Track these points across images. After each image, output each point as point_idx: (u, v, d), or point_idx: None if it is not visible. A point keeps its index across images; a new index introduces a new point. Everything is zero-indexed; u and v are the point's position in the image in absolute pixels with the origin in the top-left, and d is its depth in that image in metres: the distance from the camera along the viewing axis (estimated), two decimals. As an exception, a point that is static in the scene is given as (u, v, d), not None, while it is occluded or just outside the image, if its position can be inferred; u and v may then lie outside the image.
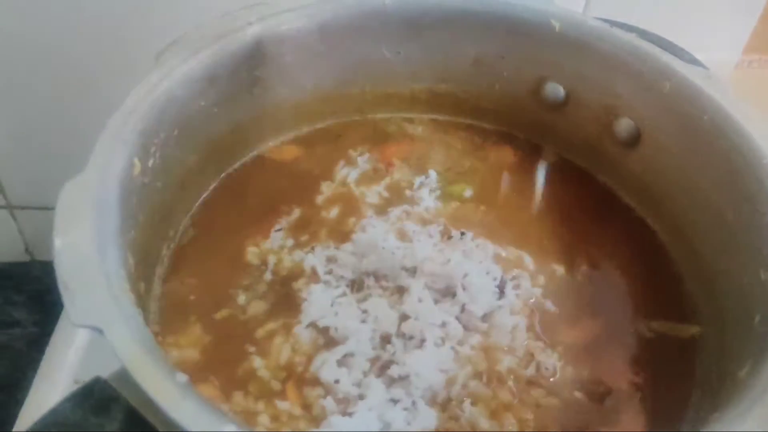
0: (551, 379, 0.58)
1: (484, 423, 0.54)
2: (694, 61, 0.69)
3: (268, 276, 0.63)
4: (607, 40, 0.69)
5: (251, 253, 0.65)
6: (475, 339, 0.59)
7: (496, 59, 0.75)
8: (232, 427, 0.39)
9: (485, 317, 0.60)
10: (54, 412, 0.44)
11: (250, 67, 0.68)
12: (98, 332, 0.44)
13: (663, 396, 0.58)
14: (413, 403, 0.54)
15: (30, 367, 0.86)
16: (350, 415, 0.53)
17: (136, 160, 0.57)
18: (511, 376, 0.57)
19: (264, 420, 0.54)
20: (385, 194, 0.71)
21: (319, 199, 0.70)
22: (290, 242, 0.66)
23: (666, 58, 0.66)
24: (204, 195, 0.69)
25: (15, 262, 1.16)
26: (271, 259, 0.64)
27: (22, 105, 0.93)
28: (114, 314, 0.44)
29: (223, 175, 0.71)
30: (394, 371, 0.55)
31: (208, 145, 0.68)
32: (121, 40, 0.82)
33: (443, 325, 0.59)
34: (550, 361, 0.59)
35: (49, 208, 1.04)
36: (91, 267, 0.47)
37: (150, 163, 0.59)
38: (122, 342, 0.43)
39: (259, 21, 0.67)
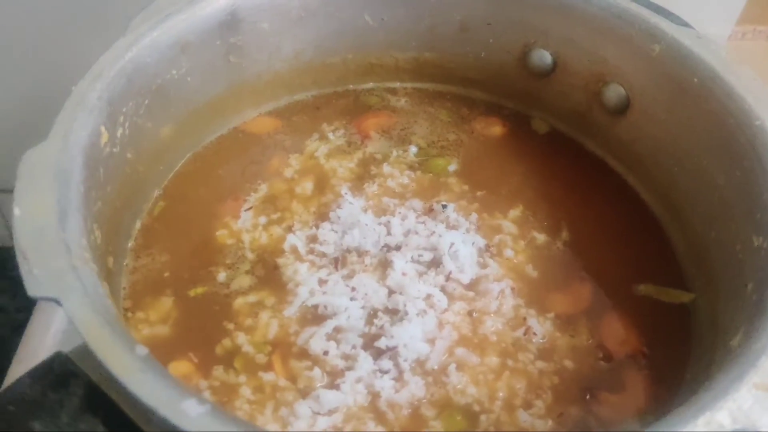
0: (540, 341, 0.56)
1: (471, 389, 0.53)
2: (684, 25, 0.66)
3: (248, 254, 0.61)
4: (594, 2, 0.66)
5: (221, 236, 0.62)
6: (460, 306, 0.58)
7: (483, 25, 0.72)
8: (192, 401, 0.37)
9: (470, 285, 0.59)
10: (11, 388, 0.42)
11: (224, 35, 0.66)
12: (56, 303, 0.42)
13: (661, 360, 0.56)
14: (401, 372, 0.53)
15: (15, 353, 0.84)
16: (338, 387, 0.52)
17: (102, 129, 0.55)
18: (497, 339, 0.56)
19: (246, 392, 0.53)
20: (357, 169, 0.68)
21: (288, 173, 0.68)
22: (263, 220, 0.63)
23: (655, 20, 0.64)
24: (177, 167, 0.66)
25: (-1, 246, 1.14)
26: (246, 238, 0.62)
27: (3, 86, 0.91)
28: (73, 285, 0.42)
29: (198, 147, 0.68)
30: (382, 343, 0.54)
31: (183, 116, 0.66)
32: (92, 9, 0.80)
33: (428, 297, 0.58)
34: (541, 326, 0.57)
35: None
36: (50, 237, 0.45)
37: (119, 132, 0.57)
38: (80, 313, 0.41)
39: (234, -14, 0.65)
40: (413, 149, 0.71)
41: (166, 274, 0.60)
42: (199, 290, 0.59)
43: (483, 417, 0.52)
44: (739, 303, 0.52)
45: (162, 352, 0.53)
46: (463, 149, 0.72)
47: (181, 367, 0.54)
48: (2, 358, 1.00)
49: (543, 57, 0.71)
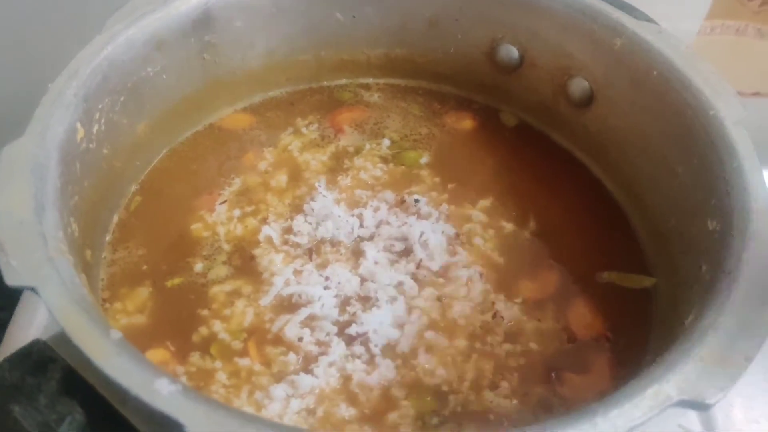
0: (508, 324, 0.58)
1: (440, 371, 0.55)
2: (647, 19, 0.68)
3: (224, 246, 0.63)
4: (559, -1, 0.69)
5: (197, 229, 0.64)
6: (430, 292, 0.60)
7: (451, 21, 0.74)
8: (164, 380, 0.39)
9: (440, 272, 0.61)
10: (-10, 374, 0.43)
11: (199, 33, 0.67)
12: (33, 292, 0.43)
13: (623, 343, 0.59)
14: (372, 356, 0.55)
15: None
16: (311, 371, 0.54)
17: (78, 125, 0.56)
18: (465, 323, 0.58)
19: (222, 377, 0.54)
20: (330, 162, 0.70)
21: (263, 166, 0.69)
22: (237, 213, 0.65)
23: (617, 15, 0.66)
24: (153, 162, 0.68)
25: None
26: (221, 230, 0.64)
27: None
28: (50, 274, 0.44)
29: (174, 143, 0.70)
30: (353, 330, 0.56)
31: (158, 113, 0.67)
32: (68, 6, 0.81)
33: (399, 284, 0.60)
34: (509, 311, 0.59)
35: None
36: (26, 228, 0.46)
37: (95, 128, 0.59)
38: (57, 301, 0.42)
39: (207, -16, 0.66)
40: (386, 142, 0.72)
41: (144, 267, 0.61)
42: (176, 281, 0.60)
43: (451, 397, 0.54)
44: (694, 285, 0.54)
45: (139, 341, 0.55)
46: (434, 142, 0.74)
47: (158, 354, 0.55)
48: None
49: (510, 52, 0.74)
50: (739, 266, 0.48)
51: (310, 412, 0.52)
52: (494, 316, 0.59)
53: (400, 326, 0.57)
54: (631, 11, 0.69)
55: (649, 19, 0.69)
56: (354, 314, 0.58)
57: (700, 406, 0.41)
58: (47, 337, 0.46)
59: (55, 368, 0.43)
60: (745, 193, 0.53)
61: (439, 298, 0.59)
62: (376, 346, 0.56)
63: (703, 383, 0.42)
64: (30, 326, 0.82)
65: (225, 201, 0.66)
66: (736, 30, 1.21)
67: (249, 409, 0.52)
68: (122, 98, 0.62)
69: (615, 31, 0.66)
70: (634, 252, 0.65)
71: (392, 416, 0.53)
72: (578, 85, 0.70)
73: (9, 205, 0.47)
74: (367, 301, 0.59)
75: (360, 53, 0.77)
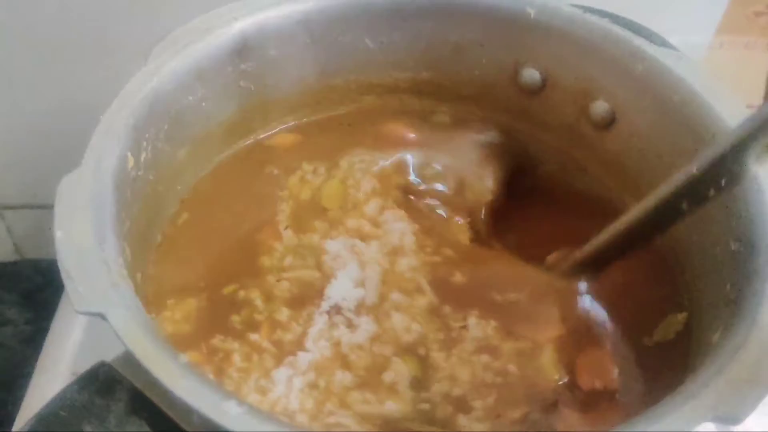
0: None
1: (415, 327, 0.59)
2: (665, 44, 0.71)
3: None
4: (581, 25, 0.71)
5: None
6: (375, 247, 0.64)
7: (476, 47, 0.77)
8: (232, 402, 0.41)
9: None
10: (61, 395, 0.46)
11: (236, 62, 0.70)
12: (101, 318, 0.46)
13: None
14: (349, 320, 0.59)
15: (24, 364, 0.87)
16: (306, 349, 0.57)
17: (129, 154, 0.59)
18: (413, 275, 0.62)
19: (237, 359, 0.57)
20: None
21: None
22: None
23: (638, 41, 0.69)
24: (192, 186, 0.71)
25: (4, 261, 1.17)
26: None
27: (8, 103, 0.94)
28: (115, 300, 0.46)
29: (211, 168, 0.73)
30: (325, 306, 0.60)
31: (198, 138, 0.70)
32: (109, 39, 0.83)
33: (353, 246, 0.64)
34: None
35: (36, 207, 1.05)
36: (90, 256, 0.49)
37: (142, 157, 0.61)
38: (125, 326, 0.45)
39: (244, 15, 0.69)
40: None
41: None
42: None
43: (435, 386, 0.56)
44: (718, 303, 0.56)
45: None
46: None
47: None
48: (12, 369, 1.04)
49: (533, 75, 0.76)
50: (765, 287, 0.50)
51: (313, 386, 0.55)
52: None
53: (361, 283, 0.61)
54: (649, 36, 0.71)
55: (666, 44, 0.72)
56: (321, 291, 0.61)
57: (732, 420, 0.44)
58: (110, 359, 0.48)
59: (121, 390, 0.45)
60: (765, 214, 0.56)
61: (382, 250, 0.63)
62: (349, 310, 0.60)
63: (735, 399, 0.44)
64: (66, 343, 0.85)
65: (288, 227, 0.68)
66: (744, 45, 1.23)
67: (256, 396, 0.54)
68: (166, 126, 0.64)
69: (636, 57, 0.68)
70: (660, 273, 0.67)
71: (388, 375, 0.56)
72: (600, 108, 0.73)
73: (72, 233, 0.50)
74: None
75: (387, 76, 0.79)
